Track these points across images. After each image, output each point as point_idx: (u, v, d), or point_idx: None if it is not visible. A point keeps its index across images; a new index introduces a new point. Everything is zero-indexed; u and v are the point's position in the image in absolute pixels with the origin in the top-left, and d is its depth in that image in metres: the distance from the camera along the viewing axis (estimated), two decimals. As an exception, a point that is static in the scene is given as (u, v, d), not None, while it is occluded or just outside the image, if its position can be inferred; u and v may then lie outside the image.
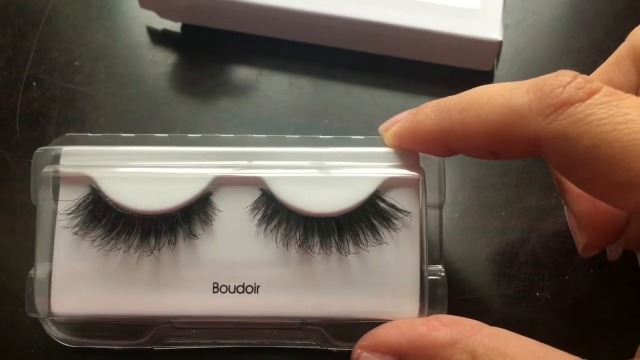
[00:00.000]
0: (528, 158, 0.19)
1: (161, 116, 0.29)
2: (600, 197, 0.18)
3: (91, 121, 0.28)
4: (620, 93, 0.17)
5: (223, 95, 0.29)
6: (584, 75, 0.18)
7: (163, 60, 0.30)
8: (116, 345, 0.22)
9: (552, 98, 0.17)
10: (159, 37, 0.31)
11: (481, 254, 0.25)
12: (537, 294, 0.24)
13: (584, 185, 0.18)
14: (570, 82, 0.17)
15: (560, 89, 0.17)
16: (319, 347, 0.22)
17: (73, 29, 0.31)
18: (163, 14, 0.30)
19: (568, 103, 0.17)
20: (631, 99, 0.16)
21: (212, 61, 0.30)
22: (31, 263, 0.21)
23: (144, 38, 0.31)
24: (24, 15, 0.31)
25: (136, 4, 0.30)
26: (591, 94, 0.17)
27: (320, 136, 0.22)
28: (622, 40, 0.22)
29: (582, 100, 0.16)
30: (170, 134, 0.23)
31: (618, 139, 0.16)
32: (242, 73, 0.30)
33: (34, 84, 0.29)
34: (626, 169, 0.16)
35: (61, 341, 0.22)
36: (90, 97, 0.29)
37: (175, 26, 0.31)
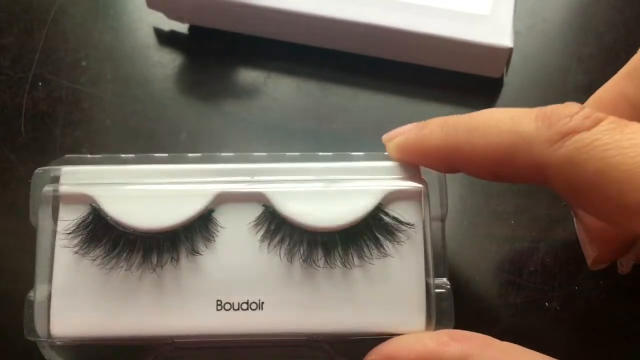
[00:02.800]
0: (530, 184, 0.19)
1: (167, 118, 0.28)
2: (608, 221, 0.18)
3: (97, 122, 0.28)
4: (624, 120, 0.17)
5: (230, 97, 0.29)
6: (590, 108, 0.18)
7: (170, 61, 0.30)
8: None
9: (560, 126, 0.17)
10: (166, 39, 0.30)
11: (490, 262, 0.25)
12: (547, 304, 0.24)
13: (592, 210, 0.18)
14: (577, 112, 0.17)
15: (568, 119, 0.17)
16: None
17: (80, 29, 0.30)
18: (170, 15, 0.30)
19: (575, 131, 0.17)
20: (635, 125, 0.17)
21: (219, 63, 0.30)
22: (35, 267, 0.21)
23: (151, 39, 0.30)
24: (30, 14, 0.31)
25: (143, 5, 0.30)
26: (597, 122, 0.17)
27: (320, 153, 0.22)
28: (632, 47, 0.22)
29: (589, 128, 0.17)
30: (170, 154, 0.22)
31: (624, 162, 0.16)
32: (250, 76, 0.30)
33: (40, 84, 0.29)
34: (633, 190, 0.16)
35: None
36: (96, 98, 0.29)
37: (182, 27, 0.31)
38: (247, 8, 0.29)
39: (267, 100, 0.29)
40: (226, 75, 0.29)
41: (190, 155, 0.22)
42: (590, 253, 0.21)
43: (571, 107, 0.18)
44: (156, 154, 0.22)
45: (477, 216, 0.26)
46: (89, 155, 0.22)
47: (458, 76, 0.29)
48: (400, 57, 0.29)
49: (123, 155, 0.22)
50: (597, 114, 0.17)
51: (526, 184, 0.19)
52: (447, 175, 0.22)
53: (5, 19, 0.30)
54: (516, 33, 0.30)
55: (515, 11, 0.29)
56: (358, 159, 0.22)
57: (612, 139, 0.17)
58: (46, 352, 0.21)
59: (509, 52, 0.28)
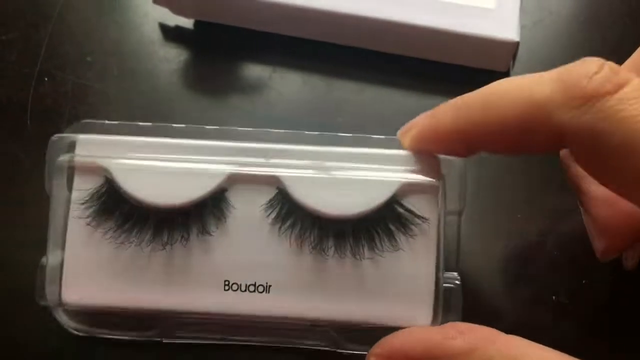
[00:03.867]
0: (553, 151, 0.18)
1: (173, 113, 0.28)
2: (627, 195, 0.17)
3: (103, 117, 0.28)
4: None
5: (236, 92, 0.29)
6: (610, 63, 0.17)
7: (175, 57, 0.30)
8: (125, 336, 0.22)
9: (579, 90, 0.16)
10: (171, 34, 0.30)
11: (497, 256, 0.25)
12: (554, 297, 0.24)
13: (610, 183, 0.17)
14: (597, 72, 0.16)
15: (587, 80, 0.16)
16: (328, 349, 0.22)
17: (85, 24, 0.30)
18: (176, 10, 0.30)
19: (596, 96, 0.16)
20: None
21: (225, 58, 0.30)
22: (42, 258, 0.21)
23: (157, 34, 0.30)
24: (36, 9, 0.31)
25: (149, 0, 0.30)
26: (620, 86, 0.16)
27: (340, 134, 0.22)
28: (639, 40, 0.22)
29: (611, 93, 0.16)
30: (188, 125, 0.22)
31: None
32: (255, 70, 0.29)
33: (46, 79, 0.29)
34: None
35: (71, 329, 0.22)
36: (102, 93, 0.29)
37: (188, 23, 0.31)
38: (253, 3, 0.29)
39: (272, 94, 0.29)
40: (232, 70, 0.29)
41: (207, 127, 0.22)
42: (598, 245, 0.21)
43: (589, 64, 0.17)
44: (174, 125, 0.22)
45: (484, 209, 0.26)
46: (106, 121, 0.22)
47: (464, 70, 0.29)
48: (406, 51, 0.29)
49: (140, 124, 0.22)
50: (618, 75, 0.16)
51: (550, 151, 0.18)
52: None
53: (10, 14, 0.30)
54: (522, 27, 0.29)
55: (521, 5, 0.29)
56: (378, 143, 0.21)
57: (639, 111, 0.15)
58: (58, 314, 0.22)
59: (515, 46, 0.28)
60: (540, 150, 0.18)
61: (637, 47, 0.22)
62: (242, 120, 0.28)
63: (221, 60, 0.30)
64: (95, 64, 0.29)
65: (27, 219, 0.26)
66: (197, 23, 0.31)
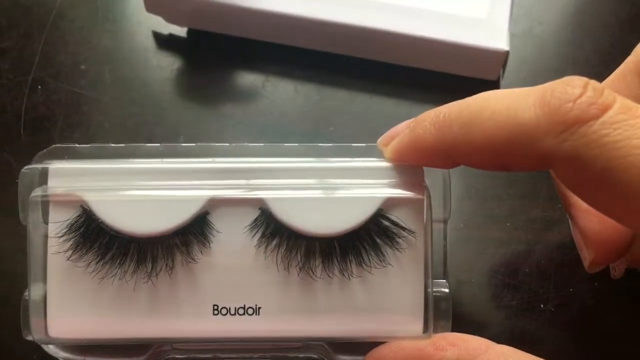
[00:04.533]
0: (540, 171, 0.18)
1: (166, 121, 0.29)
2: (614, 217, 0.17)
3: (96, 125, 0.28)
4: (635, 108, 0.16)
5: (228, 101, 0.29)
6: (594, 83, 0.17)
7: (169, 65, 0.30)
8: None
9: (562, 114, 0.16)
10: (164, 42, 0.31)
11: (485, 265, 0.25)
12: (542, 306, 0.24)
13: (597, 206, 0.17)
14: (580, 96, 0.16)
15: (570, 104, 0.16)
16: (321, 360, 0.22)
17: (79, 32, 0.31)
18: (169, 18, 0.30)
19: (580, 121, 0.16)
20: None
21: (218, 67, 0.30)
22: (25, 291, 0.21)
23: (150, 42, 0.31)
24: (30, 18, 0.31)
25: (142, 8, 0.30)
26: (604, 109, 0.16)
27: (320, 144, 0.22)
28: (628, 50, 0.22)
29: (595, 117, 0.16)
30: (162, 144, 0.22)
31: (635, 164, 0.15)
32: (248, 79, 0.30)
33: (39, 87, 0.29)
34: None
35: (62, 359, 0.22)
36: (95, 101, 0.29)
37: (181, 31, 0.31)
38: (246, 12, 0.29)
39: (265, 103, 0.29)
40: (224, 79, 0.30)
41: (183, 145, 0.21)
42: (587, 256, 0.21)
43: (572, 87, 0.16)
44: (148, 144, 0.21)
45: (473, 218, 0.26)
46: (77, 145, 0.21)
47: (455, 79, 0.29)
48: (398, 60, 0.30)
49: (113, 145, 0.21)
50: (602, 98, 0.16)
51: (536, 171, 0.18)
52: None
53: (4, 23, 0.31)
54: (512, 36, 0.30)
55: (511, 14, 0.29)
56: (358, 151, 0.21)
57: (623, 136, 0.15)
58: (46, 346, 0.21)
59: (505, 55, 0.28)
60: (524, 170, 0.18)
61: (626, 57, 0.22)
62: (234, 129, 0.29)
63: (214, 68, 0.30)
64: (88, 72, 0.29)
65: (19, 228, 0.26)
66: (191, 31, 0.31)
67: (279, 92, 0.29)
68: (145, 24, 0.31)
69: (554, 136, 0.16)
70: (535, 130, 0.16)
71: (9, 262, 0.25)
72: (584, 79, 0.17)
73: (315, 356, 0.22)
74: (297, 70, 0.30)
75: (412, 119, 0.20)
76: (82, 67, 0.30)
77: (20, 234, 0.25)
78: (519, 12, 0.31)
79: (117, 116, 0.29)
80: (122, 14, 0.31)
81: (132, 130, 0.28)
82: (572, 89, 0.16)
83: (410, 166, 0.21)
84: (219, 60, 0.30)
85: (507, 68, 0.30)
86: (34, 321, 0.20)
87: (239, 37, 0.30)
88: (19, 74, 0.29)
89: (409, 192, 0.20)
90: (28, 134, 0.28)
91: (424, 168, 0.21)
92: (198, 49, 0.30)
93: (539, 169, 0.18)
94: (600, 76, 0.23)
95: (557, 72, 0.30)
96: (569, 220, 0.22)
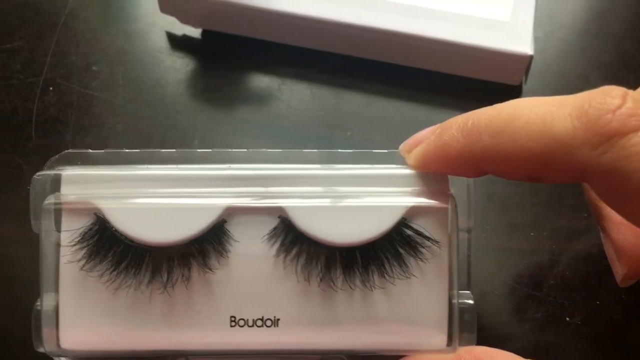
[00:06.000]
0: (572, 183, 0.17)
1: (179, 124, 0.28)
2: None
3: (108, 128, 0.28)
4: None
5: (243, 103, 0.29)
6: (634, 94, 0.16)
7: (182, 66, 0.29)
8: None
9: (601, 126, 0.15)
10: (178, 43, 0.30)
11: (508, 275, 0.24)
12: (567, 319, 0.24)
13: (633, 219, 0.17)
14: (620, 107, 0.15)
15: (610, 115, 0.15)
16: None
17: (91, 33, 0.30)
18: (183, 19, 0.30)
19: (620, 133, 0.15)
20: None
21: (232, 68, 0.29)
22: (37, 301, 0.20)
23: (164, 43, 0.30)
24: (41, 18, 0.30)
25: (156, 9, 0.29)
26: None
27: (340, 150, 0.21)
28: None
29: (636, 129, 0.15)
30: (178, 150, 0.21)
31: None
32: (264, 82, 0.29)
33: (51, 88, 0.28)
34: None
35: None
36: (107, 103, 0.28)
37: (195, 32, 0.30)
38: (261, 13, 0.28)
39: (281, 106, 0.28)
40: (239, 81, 0.29)
41: (199, 151, 0.21)
42: (619, 270, 0.20)
43: (611, 97, 0.16)
44: (163, 150, 0.21)
45: (496, 228, 0.25)
46: (90, 150, 0.21)
47: (475, 83, 0.29)
48: (417, 63, 0.29)
49: (127, 151, 0.21)
50: None
51: (569, 183, 0.17)
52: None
53: (15, 23, 0.30)
54: (535, 39, 0.29)
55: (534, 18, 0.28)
56: (379, 158, 0.21)
57: None
58: (57, 359, 0.21)
59: (529, 59, 0.27)
60: (555, 182, 0.17)
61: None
62: (249, 132, 0.28)
63: (229, 70, 0.29)
64: (101, 74, 0.29)
65: (30, 233, 0.25)
66: (205, 33, 0.30)
67: (295, 95, 0.29)
68: (159, 24, 0.30)
69: (591, 148, 0.16)
70: (572, 141, 0.16)
71: (19, 269, 0.25)
72: (623, 89, 0.16)
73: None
74: (313, 73, 0.29)
75: (437, 125, 0.19)
76: (95, 68, 0.29)
77: (31, 240, 0.25)
78: (541, 15, 0.30)
79: (130, 118, 0.28)
80: (135, 14, 0.31)
81: (145, 132, 0.28)
82: (612, 100, 0.16)
83: (435, 174, 0.20)
84: (233, 62, 0.30)
85: (530, 72, 0.29)
86: (46, 332, 0.20)
87: (254, 38, 0.30)
88: (30, 74, 0.29)
89: (433, 201, 0.20)
90: (39, 136, 0.27)
91: (449, 177, 0.20)
92: (212, 50, 0.30)
93: (571, 181, 0.17)
94: (624, 80, 0.22)
95: (581, 77, 0.30)
96: (601, 233, 0.21)
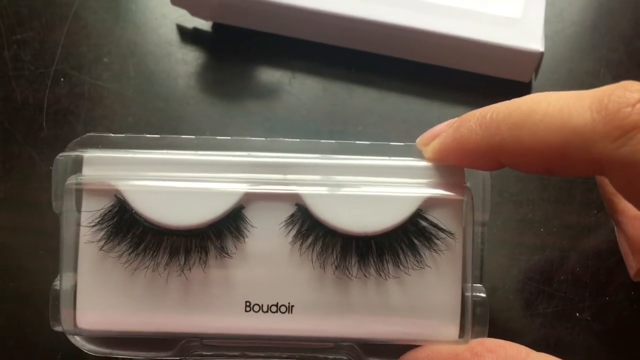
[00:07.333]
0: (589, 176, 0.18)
1: (190, 116, 0.28)
2: None
3: (119, 119, 0.28)
4: None
5: (254, 97, 0.29)
6: None
7: (193, 59, 0.29)
8: (143, 357, 0.22)
9: (620, 119, 0.16)
10: (189, 36, 0.30)
11: (519, 271, 0.25)
12: (577, 314, 0.24)
13: None
14: (639, 101, 0.16)
15: (629, 109, 0.16)
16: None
17: (102, 24, 0.30)
18: (194, 12, 0.30)
19: (638, 127, 0.15)
20: None
21: (243, 62, 0.29)
22: (57, 265, 0.20)
23: (174, 36, 0.30)
24: (52, 9, 0.30)
25: (167, 1, 0.29)
26: None
27: (357, 142, 0.21)
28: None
29: None
30: (198, 136, 0.21)
31: None
32: (275, 75, 0.29)
33: (62, 79, 0.28)
34: None
35: (87, 351, 0.21)
36: (118, 94, 0.28)
37: (206, 25, 0.30)
38: (273, 6, 0.28)
39: (292, 100, 0.28)
40: (250, 75, 0.29)
41: (219, 138, 0.21)
42: (633, 264, 0.20)
43: (631, 91, 0.16)
44: (182, 136, 0.21)
45: (507, 224, 0.25)
46: (111, 134, 0.21)
47: (486, 80, 0.29)
48: (428, 59, 0.29)
49: (147, 136, 0.21)
50: None
51: (585, 176, 0.18)
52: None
53: (26, 14, 0.30)
54: (545, 37, 0.29)
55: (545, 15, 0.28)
56: (396, 150, 0.21)
57: None
58: (73, 339, 0.21)
59: (539, 56, 0.27)
60: (571, 175, 0.18)
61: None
62: (260, 126, 0.28)
63: (240, 64, 0.29)
64: (111, 65, 0.29)
65: (42, 223, 0.25)
66: (216, 26, 0.30)
67: (307, 90, 0.29)
68: (170, 17, 0.30)
69: (610, 141, 0.16)
70: (591, 134, 0.16)
71: (30, 259, 0.25)
72: None
73: (345, 358, 0.21)
74: (325, 67, 0.29)
75: (455, 119, 0.19)
76: (105, 59, 0.29)
77: (42, 230, 0.25)
78: (551, 12, 0.30)
79: (141, 110, 0.28)
80: (146, 6, 0.31)
81: (156, 125, 0.28)
82: (631, 94, 0.16)
83: (451, 166, 0.20)
84: (244, 55, 0.30)
85: (540, 70, 0.29)
86: (64, 311, 0.20)
87: (266, 32, 0.30)
88: (41, 65, 0.29)
89: (449, 193, 0.20)
90: (50, 127, 0.27)
91: (465, 169, 0.20)
92: (223, 43, 0.30)
93: (588, 174, 0.17)
94: (635, 78, 0.22)
95: (591, 75, 0.30)
96: (615, 227, 0.21)
